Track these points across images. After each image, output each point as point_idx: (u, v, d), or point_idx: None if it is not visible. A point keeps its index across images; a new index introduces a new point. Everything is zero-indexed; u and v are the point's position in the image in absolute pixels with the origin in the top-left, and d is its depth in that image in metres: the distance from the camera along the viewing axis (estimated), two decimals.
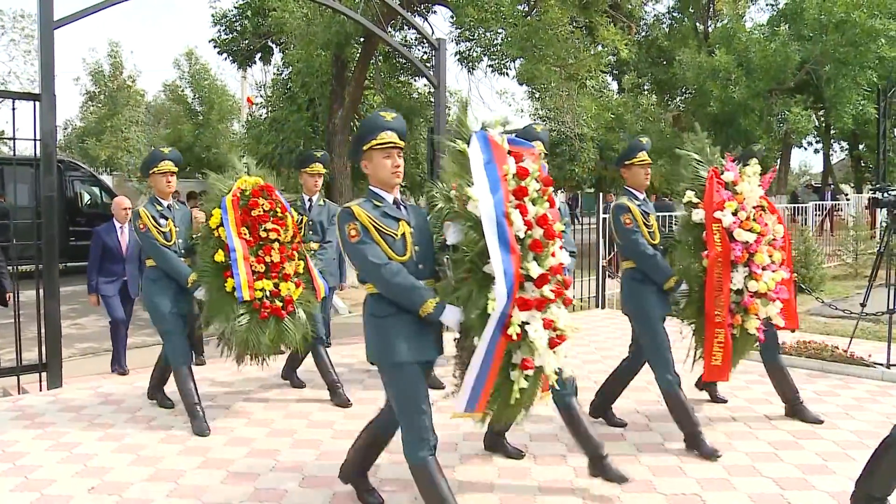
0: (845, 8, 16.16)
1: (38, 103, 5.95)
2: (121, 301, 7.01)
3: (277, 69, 17.19)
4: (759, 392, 5.74)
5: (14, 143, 6.41)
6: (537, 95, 13.82)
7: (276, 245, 4.98)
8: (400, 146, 3.34)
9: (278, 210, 5.08)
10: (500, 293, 2.94)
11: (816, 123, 21.64)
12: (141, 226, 4.99)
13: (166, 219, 5.10)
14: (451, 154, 3.27)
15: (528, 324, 3.03)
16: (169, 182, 5.14)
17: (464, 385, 3.09)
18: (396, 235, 3.26)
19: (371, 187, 3.38)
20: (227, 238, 4.83)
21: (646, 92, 20.53)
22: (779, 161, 25.87)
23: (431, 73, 9.10)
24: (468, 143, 3.21)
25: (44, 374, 6.07)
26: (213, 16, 15.90)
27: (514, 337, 2.99)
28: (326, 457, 4.50)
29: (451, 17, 12.29)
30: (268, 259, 4.92)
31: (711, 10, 21.66)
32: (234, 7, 15.78)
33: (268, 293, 4.88)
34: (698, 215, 4.51)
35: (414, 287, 3.15)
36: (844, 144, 27.95)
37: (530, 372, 3.09)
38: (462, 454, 4.52)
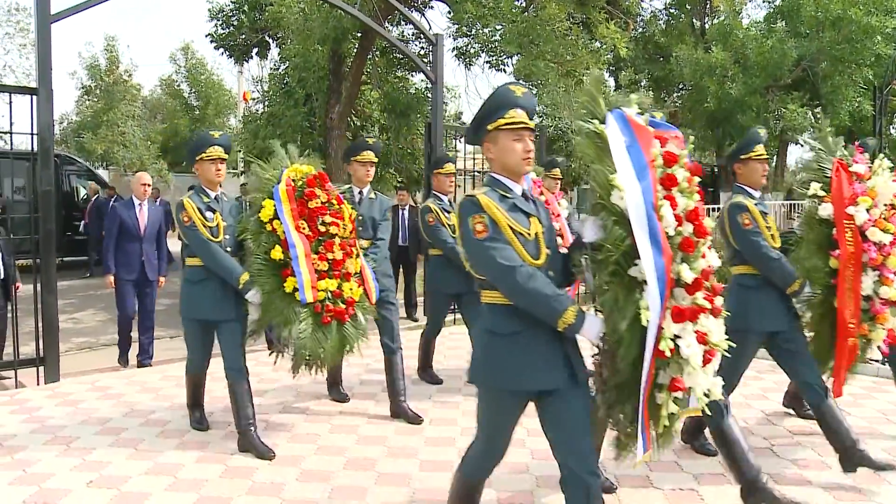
0: (842, 5, 16.19)
1: (35, 97, 5.93)
2: (139, 287, 6.75)
3: (274, 64, 17.10)
4: (755, 388, 5.76)
5: (11, 137, 6.40)
6: (534, 91, 13.81)
7: (336, 240, 4.49)
8: (531, 127, 2.82)
9: (334, 201, 4.61)
10: (654, 300, 2.49)
11: (813, 120, 21.66)
12: (185, 219, 4.41)
13: (214, 212, 4.52)
14: (586, 137, 2.80)
15: (679, 337, 2.58)
16: (218, 171, 4.56)
17: (639, 422, 2.60)
18: (529, 234, 2.73)
19: (495, 175, 2.85)
20: (284, 233, 4.32)
21: (643, 88, 20.53)
22: (775, 158, 25.88)
23: (429, 68, 9.09)
24: (602, 124, 2.77)
25: (41, 369, 6.06)
26: (209, 10, 15.80)
27: (668, 353, 2.54)
28: (324, 451, 4.51)
29: (449, 13, 12.27)
30: (330, 256, 4.42)
31: (708, 6, 21.66)
32: (231, 2, 15.70)
33: (330, 294, 4.40)
34: (826, 210, 4.06)
35: (555, 294, 2.59)
36: (840, 141, 27.88)
37: (680, 394, 2.63)
38: (459, 448, 4.53)
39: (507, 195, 2.75)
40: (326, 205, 4.52)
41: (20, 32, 20.47)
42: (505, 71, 12.38)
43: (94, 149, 23.06)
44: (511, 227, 2.67)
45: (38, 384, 6.02)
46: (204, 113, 27.60)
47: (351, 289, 4.52)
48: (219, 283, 4.44)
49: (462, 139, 11.43)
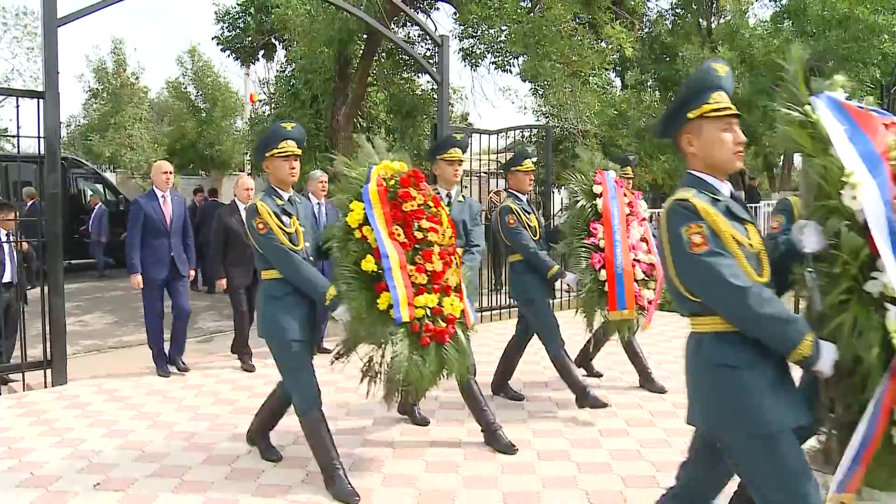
0: (848, 4, 16.11)
1: (41, 101, 5.96)
2: (169, 284, 6.42)
3: (280, 66, 17.16)
4: None
5: (18, 140, 6.43)
6: (541, 92, 13.80)
7: (435, 248, 3.87)
8: (739, 114, 2.50)
9: (431, 203, 4.00)
10: None
11: None
12: (260, 226, 3.79)
13: (290, 216, 3.92)
14: (791, 125, 2.42)
15: None
16: (293, 169, 3.95)
17: (843, 460, 2.21)
18: (751, 245, 2.35)
19: (695, 172, 2.45)
20: (375, 240, 3.70)
21: (649, 88, 20.49)
22: (782, 158, 25.82)
23: (434, 69, 9.09)
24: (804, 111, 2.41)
25: (48, 371, 6.08)
26: (215, 13, 15.87)
27: None
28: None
29: (454, 14, 12.28)
30: (429, 267, 3.79)
31: (714, 6, 21.60)
32: (237, 4, 15.75)
33: (429, 311, 3.75)
34: None
35: (790, 319, 2.20)
36: None
37: None
38: (465, 450, 4.53)
39: (718, 197, 2.38)
40: (423, 207, 3.91)
41: (28, 36, 20.55)
42: (511, 72, 12.38)
43: (101, 151, 23.13)
44: (734, 238, 2.30)
45: (45, 387, 6.04)
46: (211, 115, 27.62)
47: (452, 304, 3.87)
48: (303, 298, 3.90)
49: (471, 140, 11.42)
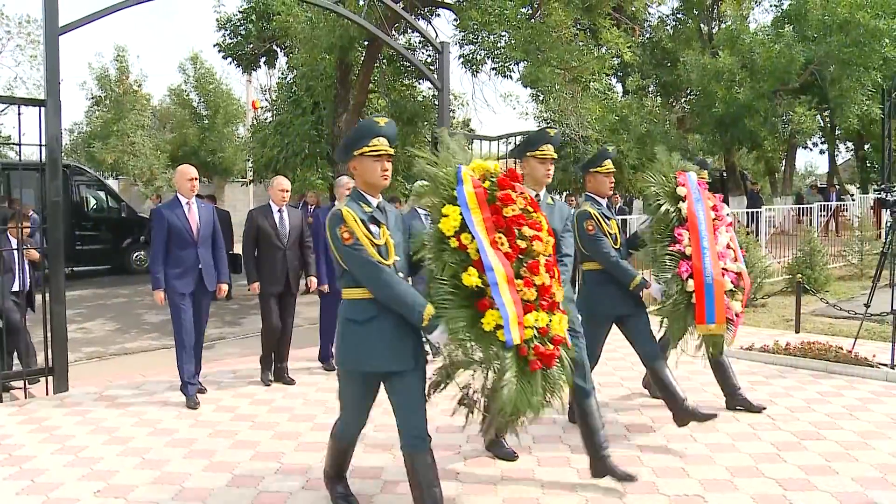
0: (849, 9, 16.14)
1: (43, 109, 5.98)
2: (195, 300, 5.86)
3: (282, 73, 17.25)
4: (763, 393, 5.74)
5: (20, 148, 6.46)
6: (541, 98, 13.84)
7: (541, 260, 3.42)
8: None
9: (530, 208, 3.52)
10: None
11: (821, 124, 21.60)
12: (345, 235, 3.27)
13: (379, 225, 3.40)
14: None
15: None
16: (385, 171, 3.43)
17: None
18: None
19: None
20: (477, 250, 3.22)
21: (650, 94, 20.54)
22: (784, 162, 25.82)
23: (435, 76, 9.12)
24: None
25: (50, 378, 6.10)
26: (217, 20, 15.96)
27: None
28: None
29: (455, 20, 12.32)
30: (537, 280, 3.34)
31: (715, 11, 21.66)
32: (239, 11, 15.84)
33: (536, 332, 3.30)
34: None
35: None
36: (850, 145, 27.92)
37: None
38: (465, 455, 4.53)
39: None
40: (524, 212, 3.45)
41: (31, 44, 20.64)
42: (511, 78, 12.41)
43: (103, 159, 23.21)
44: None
45: (46, 394, 6.06)
46: (212, 122, 27.73)
47: (559, 323, 3.42)
48: (394, 321, 3.33)
49: (471, 146, 11.46)
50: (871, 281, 7.27)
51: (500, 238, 3.30)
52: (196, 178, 5.94)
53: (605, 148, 5.00)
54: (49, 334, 6.06)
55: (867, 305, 6.87)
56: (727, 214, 5.04)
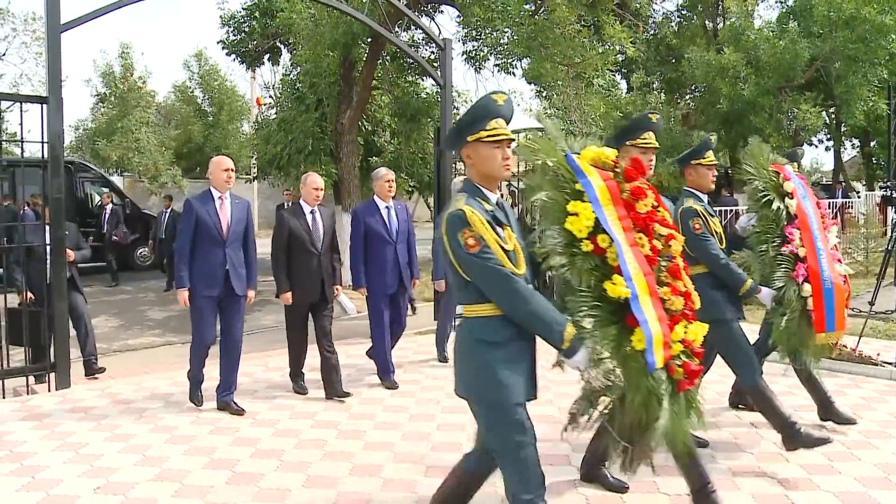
0: (855, 4, 16.04)
1: (45, 106, 5.98)
2: (221, 304, 5.41)
3: (286, 70, 17.23)
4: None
5: (22, 145, 6.46)
6: (545, 94, 13.82)
7: (680, 262, 3.00)
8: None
9: (656, 202, 3.03)
10: None
11: (827, 121, 21.50)
12: (471, 241, 2.68)
13: (503, 226, 2.81)
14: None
15: None
16: (507, 159, 2.83)
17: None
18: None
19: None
20: (616, 257, 2.76)
21: (654, 90, 20.43)
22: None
23: (438, 73, 9.10)
24: None
25: (52, 375, 6.10)
26: (221, 17, 15.95)
27: None
28: (331, 457, 4.51)
29: (458, 17, 12.30)
30: (681, 287, 2.93)
31: (720, 7, 21.55)
32: (242, 8, 15.84)
33: (682, 347, 2.87)
34: None
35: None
36: (855, 142, 27.79)
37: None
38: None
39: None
40: (655, 208, 2.99)
41: (36, 41, 20.66)
42: (514, 74, 12.39)
43: (108, 155, 23.23)
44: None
45: (49, 391, 6.06)
46: (217, 119, 27.78)
47: (696, 333, 2.93)
48: (531, 341, 2.84)
49: None
50: (875, 279, 7.23)
51: (640, 238, 2.85)
52: (233, 170, 5.44)
53: (708, 137, 4.50)
54: (52, 331, 6.07)
55: (871, 303, 6.83)
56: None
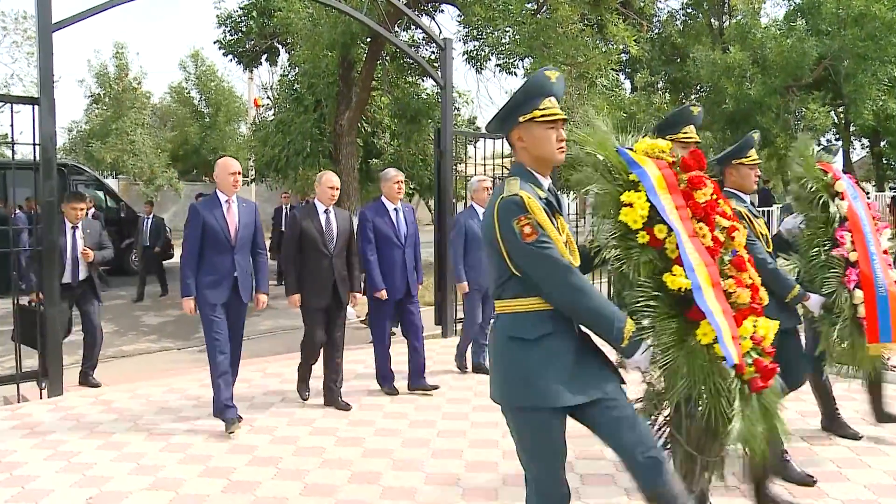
0: (864, 1, 16.03)
1: (36, 107, 5.98)
2: (229, 311, 5.23)
3: (284, 70, 17.28)
4: None
5: (13, 147, 6.46)
6: None
7: (744, 254, 2.91)
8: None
9: (715, 193, 2.91)
10: None
11: (835, 120, 21.46)
12: (526, 229, 2.49)
13: (557, 215, 2.66)
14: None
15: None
16: (562, 141, 2.69)
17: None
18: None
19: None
20: (675, 247, 2.66)
21: (659, 90, 20.44)
22: None
23: (438, 73, 9.09)
24: None
25: (44, 382, 6.08)
26: (217, 17, 15.98)
27: None
28: (329, 464, 4.50)
29: (459, 16, 12.31)
30: (747, 280, 2.82)
31: (726, 6, 21.55)
32: (239, 7, 15.87)
33: (752, 344, 2.74)
34: None
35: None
36: (865, 141, 27.72)
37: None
38: (466, 461, 4.51)
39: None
40: (715, 199, 2.88)
41: (28, 41, 20.67)
42: (516, 74, 12.40)
43: (103, 157, 23.29)
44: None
45: (40, 398, 6.05)
46: (214, 120, 27.86)
47: (766, 329, 2.80)
48: (573, 338, 2.60)
49: (475, 144, 11.47)
50: None
51: (700, 228, 2.73)
52: (239, 173, 5.32)
53: (751, 135, 4.28)
54: (43, 337, 6.05)
55: None
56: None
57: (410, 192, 16.11)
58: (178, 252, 15.61)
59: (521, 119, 2.65)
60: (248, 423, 5.33)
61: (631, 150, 2.84)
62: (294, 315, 9.22)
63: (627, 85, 21.65)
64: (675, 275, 2.61)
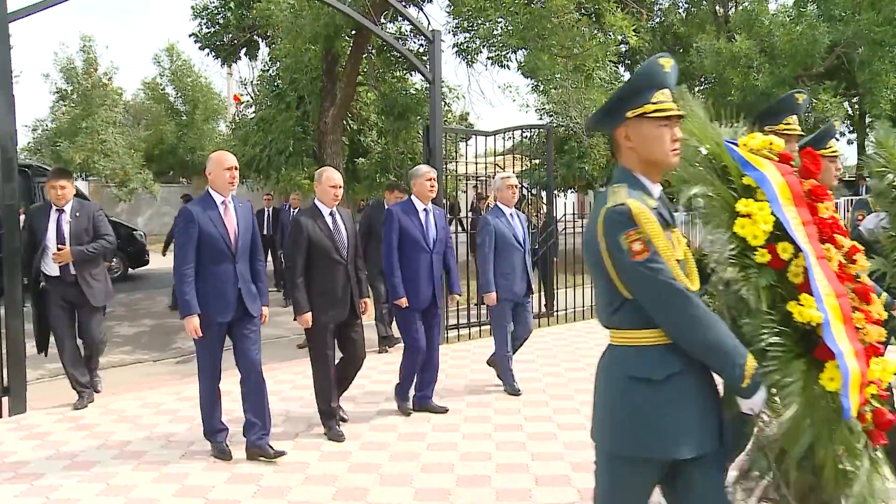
0: None
1: None
2: (233, 329, 4.89)
3: (264, 65, 17.24)
4: None
5: None
6: (542, 88, 13.86)
7: (867, 281, 2.67)
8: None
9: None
10: None
11: (849, 111, 21.55)
12: (637, 245, 2.26)
13: (671, 228, 2.42)
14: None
15: None
16: (676, 142, 2.44)
17: None
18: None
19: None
20: (802, 272, 2.37)
21: None
22: None
23: (426, 67, 9.11)
24: None
25: (5, 399, 6.05)
26: (192, 7, 15.94)
27: None
28: (312, 480, 4.51)
29: (448, 7, 12.32)
30: (875, 313, 2.53)
31: None
32: None
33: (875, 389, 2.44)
34: None
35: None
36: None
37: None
38: (458, 475, 4.52)
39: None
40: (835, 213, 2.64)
41: None
42: (509, 67, 12.42)
43: (71, 158, 23.14)
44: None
45: (0, 416, 6.00)
46: (191, 118, 27.86)
47: (888, 373, 2.48)
48: (699, 377, 2.36)
49: (467, 142, 11.49)
50: None
51: (828, 251, 2.45)
52: (236, 168, 4.88)
53: (832, 124, 4.10)
54: (5, 350, 6.03)
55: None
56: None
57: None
58: (154, 258, 15.63)
59: (628, 115, 2.41)
60: (227, 439, 5.30)
61: (736, 144, 2.61)
62: (273, 324, 9.24)
63: (627, 77, 21.70)
64: (802, 304, 2.31)
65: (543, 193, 11.59)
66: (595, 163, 16.28)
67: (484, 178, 11.86)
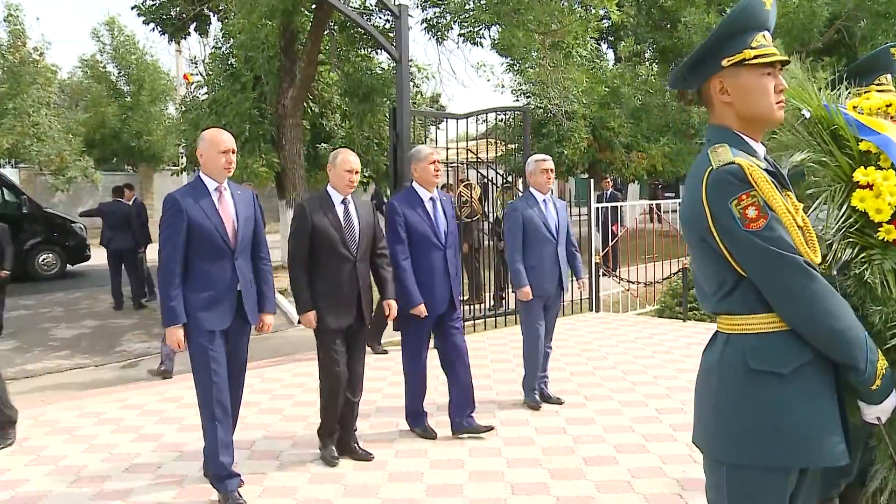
0: None
1: None
2: (229, 336, 4.45)
3: (216, 42, 17.11)
4: None
5: None
6: (517, 67, 13.92)
7: None
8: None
9: None
10: None
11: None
12: (751, 213, 2.04)
13: (784, 190, 2.17)
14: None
15: None
16: (781, 93, 2.23)
17: None
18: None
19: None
20: None
21: (646, 60, 20.64)
22: None
23: (392, 45, 9.11)
24: None
25: None
26: None
27: None
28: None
29: None
30: None
31: None
32: None
33: None
34: None
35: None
36: None
37: None
38: (469, 497, 4.55)
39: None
40: None
41: None
42: (482, 45, 12.47)
43: None
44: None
45: None
46: (137, 99, 27.51)
47: None
48: (828, 370, 2.11)
49: (437, 126, 11.52)
50: None
51: None
52: (233, 150, 4.45)
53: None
54: None
55: None
56: None
57: (365, 180, 16.09)
58: (95, 253, 15.33)
59: (724, 63, 2.20)
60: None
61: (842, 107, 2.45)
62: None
63: (610, 55, 21.81)
64: None
65: (520, 180, 11.67)
66: (575, 147, 16.40)
67: (456, 165, 11.88)
